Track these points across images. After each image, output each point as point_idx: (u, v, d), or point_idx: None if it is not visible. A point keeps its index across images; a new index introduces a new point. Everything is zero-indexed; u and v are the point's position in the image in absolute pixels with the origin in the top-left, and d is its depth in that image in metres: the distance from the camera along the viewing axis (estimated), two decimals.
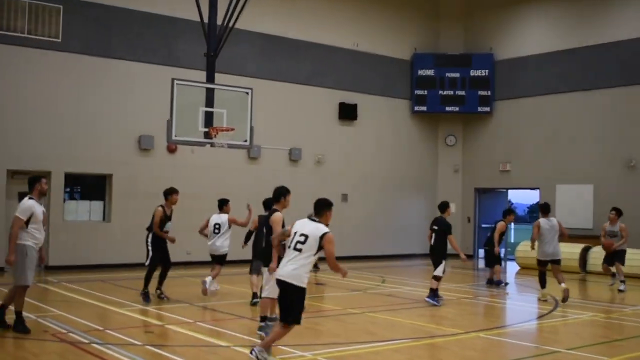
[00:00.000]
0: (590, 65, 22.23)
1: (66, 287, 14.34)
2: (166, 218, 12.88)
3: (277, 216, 9.86)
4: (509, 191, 25.65)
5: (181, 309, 12.15)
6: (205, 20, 15.11)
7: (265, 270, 9.99)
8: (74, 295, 13.21)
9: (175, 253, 15.29)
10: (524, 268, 21.01)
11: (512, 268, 21.94)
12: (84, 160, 18.31)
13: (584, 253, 20.07)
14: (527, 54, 24.03)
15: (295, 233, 7.94)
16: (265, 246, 10.11)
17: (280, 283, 7.85)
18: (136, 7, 19.18)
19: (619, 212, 16.53)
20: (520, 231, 39.55)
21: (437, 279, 13.18)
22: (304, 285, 7.81)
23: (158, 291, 12.95)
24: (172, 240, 12.93)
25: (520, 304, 14.74)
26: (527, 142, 23.84)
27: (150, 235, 12.90)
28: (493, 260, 16.66)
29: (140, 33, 19.28)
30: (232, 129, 14.26)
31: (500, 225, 16.72)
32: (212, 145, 14.69)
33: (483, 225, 25.64)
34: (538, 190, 23.62)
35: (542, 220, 13.86)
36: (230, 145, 14.75)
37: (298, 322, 7.90)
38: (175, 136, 14.05)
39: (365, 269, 17.19)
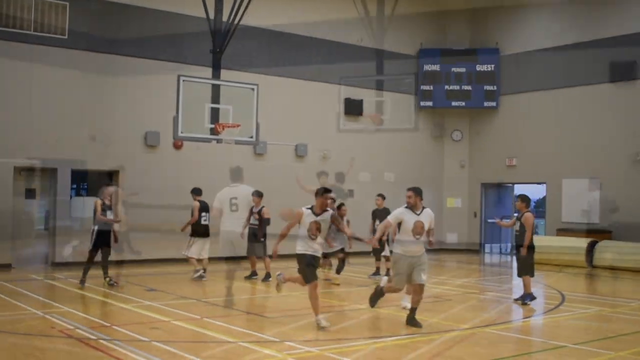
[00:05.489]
0: (596, 59, 22.12)
1: (73, 284, 14.38)
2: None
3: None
4: (516, 186, 25.61)
5: (188, 305, 12.18)
6: (212, 16, 15.13)
7: None
8: (81, 291, 13.25)
9: (181, 248, 15.40)
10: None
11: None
12: (90, 157, 18.34)
13: (591, 248, 20.00)
14: (533, 48, 23.94)
15: None
16: None
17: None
18: (142, 4, 19.16)
19: None
20: None
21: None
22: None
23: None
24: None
25: None
26: (533, 137, 23.79)
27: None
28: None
29: (146, 30, 19.26)
30: (238, 125, 14.31)
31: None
32: (218, 141, 14.73)
33: (489, 220, 25.62)
34: (544, 184, 23.58)
35: None
36: (236, 141, 14.80)
37: None
38: (182, 133, 14.12)
39: (371, 265, 17.17)
